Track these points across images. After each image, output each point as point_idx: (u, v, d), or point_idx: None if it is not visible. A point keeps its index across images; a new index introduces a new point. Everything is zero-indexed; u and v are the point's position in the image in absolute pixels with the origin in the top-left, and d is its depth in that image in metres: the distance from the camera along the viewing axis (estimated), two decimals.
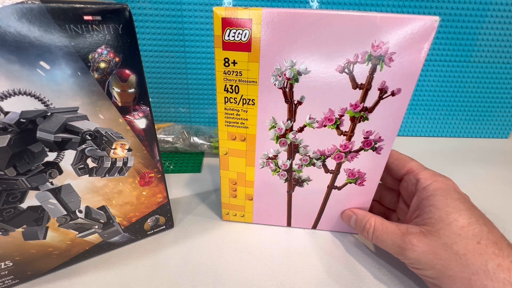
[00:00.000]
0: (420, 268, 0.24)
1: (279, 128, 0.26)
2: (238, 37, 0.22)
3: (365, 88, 0.23)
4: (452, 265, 0.22)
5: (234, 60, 0.23)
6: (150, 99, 0.24)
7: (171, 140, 0.46)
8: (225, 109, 0.25)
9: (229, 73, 0.24)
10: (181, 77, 0.51)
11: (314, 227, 0.32)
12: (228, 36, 0.22)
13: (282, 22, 0.21)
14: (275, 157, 0.27)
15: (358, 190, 0.28)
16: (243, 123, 0.26)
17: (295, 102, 0.24)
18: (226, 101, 0.25)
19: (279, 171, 0.28)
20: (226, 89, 0.24)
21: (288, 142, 0.26)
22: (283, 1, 0.45)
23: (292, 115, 0.25)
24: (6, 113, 0.18)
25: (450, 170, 0.45)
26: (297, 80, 0.23)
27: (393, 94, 0.23)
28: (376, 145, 0.25)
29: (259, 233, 0.32)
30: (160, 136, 0.47)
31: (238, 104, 0.25)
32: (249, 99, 0.25)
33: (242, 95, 0.24)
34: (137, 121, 0.24)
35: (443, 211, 0.23)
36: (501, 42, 0.48)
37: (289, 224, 0.32)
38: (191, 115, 0.55)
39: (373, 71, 0.22)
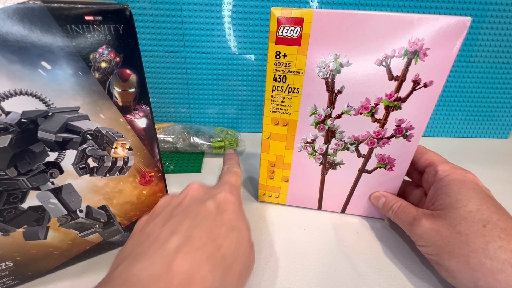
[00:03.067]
0: (423, 245, 0.25)
1: (319, 115, 0.28)
2: (290, 33, 0.25)
3: (400, 79, 0.25)
4: (452, 242, 0.23)
5: (284, 53, 0.26)
6: (150, 99, 0.24)
7: (171, 140, 0.47)
8: (272, 96, 0.28)
9: (279, 64, 0.26)
10: (181, 77, 0.51)
11: (343, 210, 0.34)
12: (282, 32, 0.25)
13: (330, 21, 0.24)
14: (313, 141, 0.30)
15: (387, 175, 0.30)
16: (287, 109, 0.29)
17: (336, 91, 0.27)
18: (274, 89, 0.28)
19: (315, 155, 0.31)
20: (274, 79, 0.27)
21: (326, 127, 0.29)
22: (283, 1, 0.45)
23: (332, 103, 0.27)
24: (7, 113, 0.18)
25: None
26: (339, 72, 0.26)
27: (425, 85, 0.25)
28: (407, 133, 0.27)
29: (260, 233, 0.32)
30: (160, 136, 0.47)
31: (284, 92, 0.28)
32: (295, 88, 0.27)
33: (288, 84, 0.27)
34: (137, 120, 0.24)
35: (454, 198, 0.25)
36: (501, 42, 0.48)
37: (319, 207, 0.35)
38: (191, 115, 0.55)
39: (408, 64, 0.24)
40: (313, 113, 0.28)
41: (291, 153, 0.31)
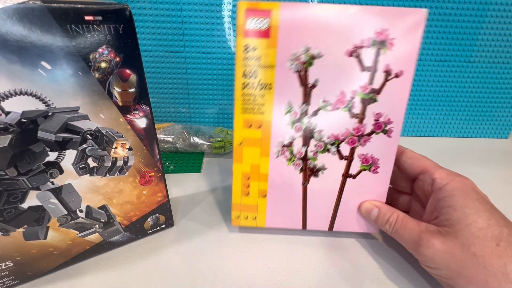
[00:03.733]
0: (434, 267, 0.23)
1: (294, 113, 0.27)
2: (258, 25, 0.24)
3: (372, 70, 0.25)
4: (469, 265, 0.22)
5: (254, 47, 0.25)
6: (150, 99, 0.24)
7: (171, 140, 0.47)
8: (243, 94, 0.26)
9: (248, 58, 0.25)
10: (181, 77, 0.51)
11: (331, 228, 0.31)
12: (249, 25, 0.24)
13: (297, 13, 0.23)
14: (290, 144, 0.28)
15: (373, 179, 0.28)
16: (260, 109, 0.27)
17: (310, 85, 0.26)
18: (244, 86, 0.26)
19: (294, 160, 0.28)
20: (244, 75, 0.26)
21: (303, 127, 0.27)
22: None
23: (307, 99, 0.26)
24: (7, 113, 0.18)
25: None
26: (311, 64, 0.25)
27: (397, 76, 0.25)
28: (386, 128, 0.27)
29: (260, 233, 0.32)
30: (160, 136, 0.47)
31: (255, 89, 0.26)
32: (267, 84, 0.26)
33: (260, 80, 0.26)
34: (137, 120, 0.24)
35: (461, 212, 0.23)
36: (501, 42, 0.48)
37: (304, 226, 0.31)
38: (191, 115, 0.55)
39: (378, 54, 0.24)
40: (288, 111, 0.27)
41: (268, 160, 0.28)
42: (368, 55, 0.25)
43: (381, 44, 0.24)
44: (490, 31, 0.48)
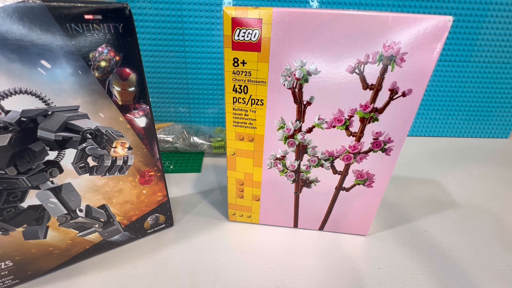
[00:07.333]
0: None
1: (287, 129, 0.25)
2: (248, 37, 0.22)
3: (376, 88, 0.22)
4: None
5: (243, 60, 0.23)
6: (150, 98, 0.24)
7: (171, 140, 0.47)
8: (234, 109, 0.25)
9: (238, 73, 0.24)
10: (181, 77, 0.51)
11: (321, 228, 0.32)
12: (238, 36, 0.22)
13: (293, 22, 0.21)
14: (283, 157, 0.27)
15: (366, 192, 0.28)
16: (251, 124, 0.26)
17: (304, 102, 0.24)
18: (235, 101, 0.25)
19: (286, 172, 0.28)
20: (235, 89, 0.24)
21: (297, 142, 0.26)
22: (283, 1, 0.45)
23: (301, 116, 0.25)
24: (7, 112, 0.18)
25: (450, 170, 0.45)
26: (306, 81, 0.23)
27: (404, 95, 0.23)
28: (386, 146, 0.25)
29: (260, 233, 0.32)
30: (160, 136, 0.47)
31: (246, 105, 0.25)
32: (258, 99, 0.25)
33: (251, 95, 0.24)
34: (137, 119, 0.24)
35: None
36: (501, 42, 0.48)
37: (295, 225, 0.32)
38: (191, 115, 0.55)
39: (384, 71, 0.22)
40: (281, 127, 0.25)
41: (261, 170, 0.28)
42: (372, 72, 0.22)
43: (389, 59, 0.21)
44: (490, 31, 0.48)
